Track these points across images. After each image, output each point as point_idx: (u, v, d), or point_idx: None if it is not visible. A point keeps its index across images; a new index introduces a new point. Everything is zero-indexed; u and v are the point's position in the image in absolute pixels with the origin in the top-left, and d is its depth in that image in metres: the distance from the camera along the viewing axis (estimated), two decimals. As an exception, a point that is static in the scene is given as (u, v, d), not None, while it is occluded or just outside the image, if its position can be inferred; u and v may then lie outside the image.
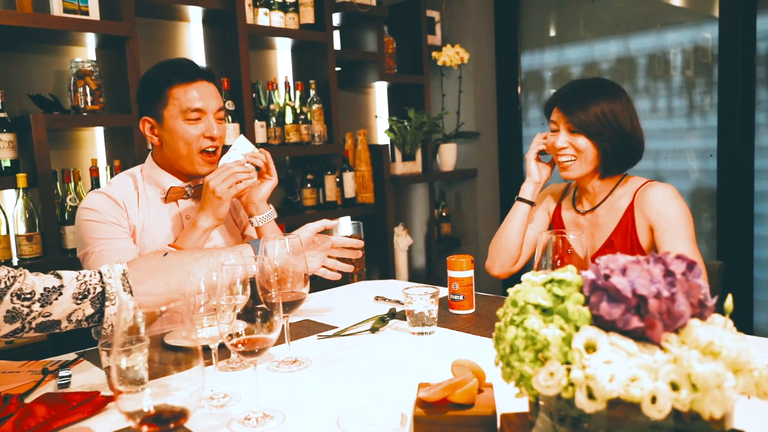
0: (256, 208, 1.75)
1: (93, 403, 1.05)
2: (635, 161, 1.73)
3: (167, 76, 1.67)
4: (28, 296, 1.12)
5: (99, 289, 1.17)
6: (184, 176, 1.76)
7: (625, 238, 1.71)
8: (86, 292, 1.16)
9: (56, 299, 1.14)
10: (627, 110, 1.67)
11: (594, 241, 1.78)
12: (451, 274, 1.62)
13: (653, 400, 0.62)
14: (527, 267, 1.95)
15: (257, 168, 1.74)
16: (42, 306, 1.13)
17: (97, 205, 1.64)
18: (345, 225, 3.35)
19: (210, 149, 1.70)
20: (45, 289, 1.13)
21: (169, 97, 1.66)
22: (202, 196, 1.66)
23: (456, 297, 1.61)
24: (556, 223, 1.89)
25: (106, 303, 1.17)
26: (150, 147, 1.85)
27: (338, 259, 1.60)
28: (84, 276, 1.18)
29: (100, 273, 1.20)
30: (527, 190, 1.86)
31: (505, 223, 1.89)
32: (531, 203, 1.86)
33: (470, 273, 1.61)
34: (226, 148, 1.80)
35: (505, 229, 1.88)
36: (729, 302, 0.72)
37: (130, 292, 1.19)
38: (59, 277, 1.17)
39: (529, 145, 1.89)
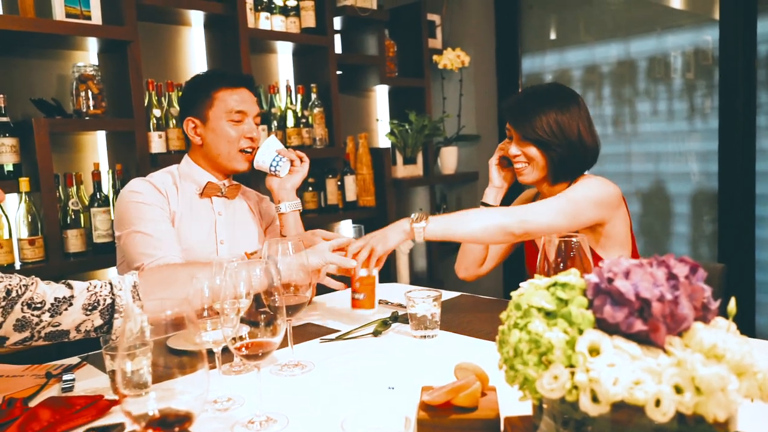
0: (287, 194, 1.87)
1: (97, 407, 1.06)
2: (587, 167, 1.76)
3: (214, 80, 1.81)
4: (39, 305, 1.12)
5: (109, 301, 1.18)
6: (220, 173, 1.87)
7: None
8: (96, 303, 1.17)
9: (66, 309, 1.14)
10: (575, 119, 1.70)
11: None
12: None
13: (657, 403, 0.63)
14: (515, 273, 1.95)
15: (284, 162, 1.88)
16: (52, 316, 1.13)
17: (142, 189, 1.74)
18: (346, 228, 3.35)
19: (248, 149, 1.82)
20: (56, 299, 1.14)
21: (215, 98, 1.79)
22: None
23: (357, 296, 1.57)
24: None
25: (115, 315, 1.18)
26: (186, 147, 1.93)
27: (333, 276, 1.60)
28: (95, 287, 1.18)
29: (110, 284, 1.20)
30: (489, 195, 1.92)
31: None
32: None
33: (373, 271, 1.58)
34: None
35: None
36: (732, 305, 0.73)
37: (141, 306, 1.20)
38: (70, 287, 1.17)
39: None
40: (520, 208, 1.66)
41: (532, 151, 1.72)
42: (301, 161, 1.90)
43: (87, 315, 1.16)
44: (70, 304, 1.15)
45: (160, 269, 1.37)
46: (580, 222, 1.66)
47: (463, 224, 1.63)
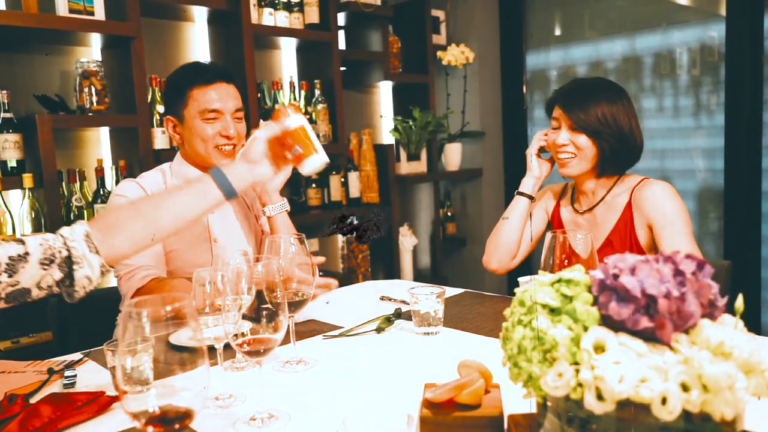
0: (269, 197, 1.80)
1: (98, 403, 1.05)
2: (632, 163, 1.75)
3: (188, 78, 1.76)
4: None
5: (65, 253, 1.12)
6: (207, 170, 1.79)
7: (623, 237, 1.71)
8: (52, 257, 1.12)
9: (23, 267, 1.09)
10: (627, 112, 1.70)
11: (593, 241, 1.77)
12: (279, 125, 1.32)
13: (663, 401, 0.62)
14: (531, 264, 1.93)
15: None
16: (9, 276, 1.08)
17: (128, 192, 1.72)
18: (350, 225, 3.34)
19: (226, 147, 1.77)
20: (10, 258, 1.09)
21: (189, 97, 1.74)
22: None
23: (295, 150, 1.33)
24: (555, 222, 1.89)
25: (74, 266, 1.12)
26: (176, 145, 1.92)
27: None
28: (47, 240, 1.13)
29: (62, 236, 1.14)
30: (528, 184, 1.87)
31: (503, 217, 1.89)
32: (531, 197, 1.87)
33: (299, 121, 1.34)
34: None
35: (503, 222, 1.88)
36: (740, 302, 0.72)
37: (96, 251, 1.15)
38: (22, 242, 1.12)
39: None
40: None
41: (583, 140, 1.69)
42: None
43: (45, 269, 1.11)
44: (26, 261, 1.11)
45: (109, 211, 1.31)
46: None
47: None
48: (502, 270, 1.89)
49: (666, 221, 1.64)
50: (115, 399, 1.07)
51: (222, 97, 1.75)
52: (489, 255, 1.90)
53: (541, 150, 1.87)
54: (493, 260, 1.89)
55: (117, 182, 2.36)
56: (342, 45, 3.33)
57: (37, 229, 2.15)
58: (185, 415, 0.74)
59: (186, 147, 1.81)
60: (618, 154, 1.69)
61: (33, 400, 1.10)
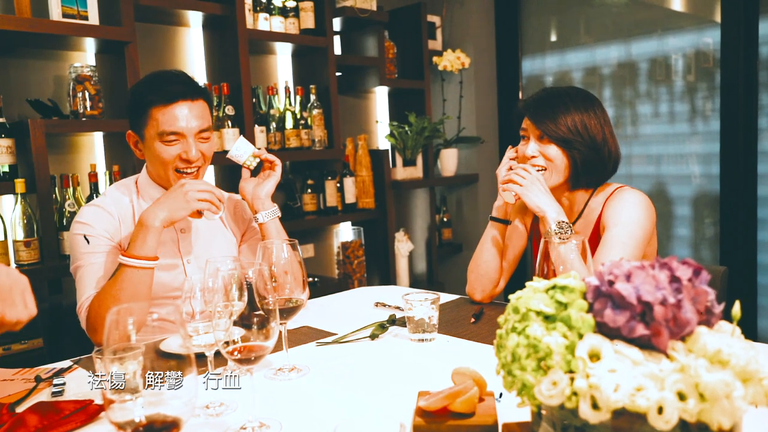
0: (261, 203, 1.74)
1: (86, 412, 1.03)
2: (609, 175, 1.65)
3: (149, 96, 1.61)
4: None
5: None
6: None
7: (595, 249, 1.60)
8: None
9: None
10: (599, 121, 1.60)
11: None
12: None
13: (660, 410, 0.60)
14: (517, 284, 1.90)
15: (259, 164, 1.75)
16: None
17: (89, 218, 1.62)
18: (346, 230, 3.33)
19: (187, 171, 1.64)
20: None
21: (150, 117, 1.61)
22: (168, 192, 1.56)
23: None
24: (535, 238, 1.80)
25: None
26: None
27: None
28: None
29: None
30: (501, 211, 1.77)
31: (480, 246, 1.79)
32: (505, 222, 1.78)
33: None
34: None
35: (482, 252, 1.78)
36: (736, 309, 0.70)
37: None
38: None
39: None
40: None
41: (553, 150, 1.60)
42: (272, 165, 1.76)
43: None
44: None
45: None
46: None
47: None
48: (487, 300, 1.79)
49: (612, 225, 1.55)
50: (103, 408, 1.05)
51: (185, 117, 1.60)
52: (472, 286, 1.80)
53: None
54: (477, 291, 1.79)
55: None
56: (337, 50, 3.33)
57: (29, 235, 2.13)
58: (172, 425, 0.73)
59: (149, 166, 1.71)
60: (591, 165, 1.60)
61: (19, 409, 1.08)
